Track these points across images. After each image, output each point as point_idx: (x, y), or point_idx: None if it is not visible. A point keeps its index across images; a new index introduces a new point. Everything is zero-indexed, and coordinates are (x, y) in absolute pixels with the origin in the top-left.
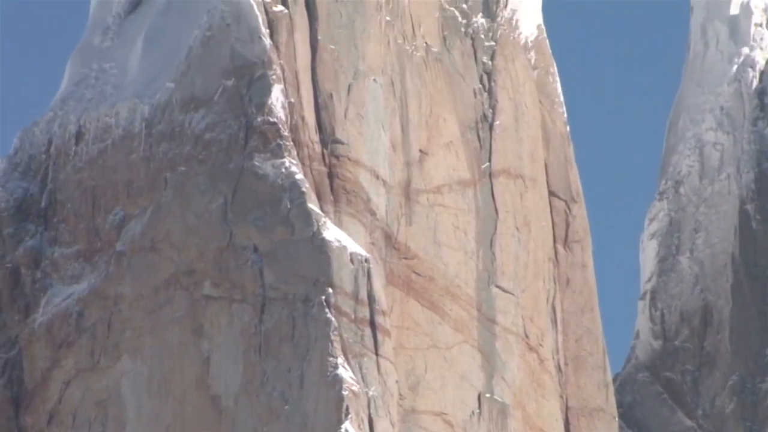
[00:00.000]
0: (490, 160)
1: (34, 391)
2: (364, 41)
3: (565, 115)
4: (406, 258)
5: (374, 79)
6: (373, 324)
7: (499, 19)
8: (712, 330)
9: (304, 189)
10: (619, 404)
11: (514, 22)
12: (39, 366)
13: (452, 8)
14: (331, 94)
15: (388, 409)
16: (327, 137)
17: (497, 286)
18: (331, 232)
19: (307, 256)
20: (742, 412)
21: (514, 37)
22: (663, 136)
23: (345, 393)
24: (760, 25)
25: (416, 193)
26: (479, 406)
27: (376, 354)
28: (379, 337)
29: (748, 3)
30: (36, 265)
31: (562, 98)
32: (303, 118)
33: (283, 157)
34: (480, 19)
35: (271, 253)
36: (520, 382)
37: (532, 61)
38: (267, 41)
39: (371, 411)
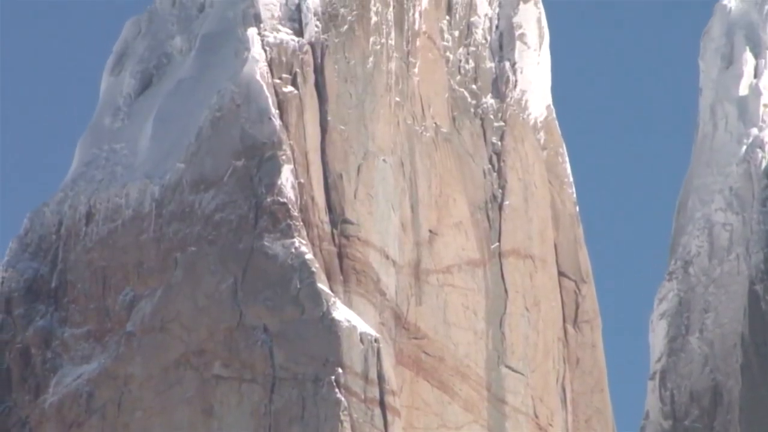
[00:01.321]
0: (499, 240)
1: None
2: (373, 122)
3: (575, 195)
4: (415, 338)
5: (384, 160)
6: (382, 404)
7: (508, 99)
8: (722, 410)
9: (313, 269)
10: None
11: (523, 102)
12: None
13: (462, 89)
14: (341, 175)
15: None
16: (337, 217)
17: (507, 366)
18: (340, 312)
19: (317, 336)
20: None
21: (523, 118)
22: (672, 217)
23: None
24: None
25: (426, 273)
26: None
27: None
28: (389, 417)
29: (756, 84)
30: (46, 346)
31: (571, 178)
32: (313, 198)
33: (292, 237)
34: (489, 100)
35: (281, 333)
36: None
37: (542, 141)
38: (277, 122)
39: None
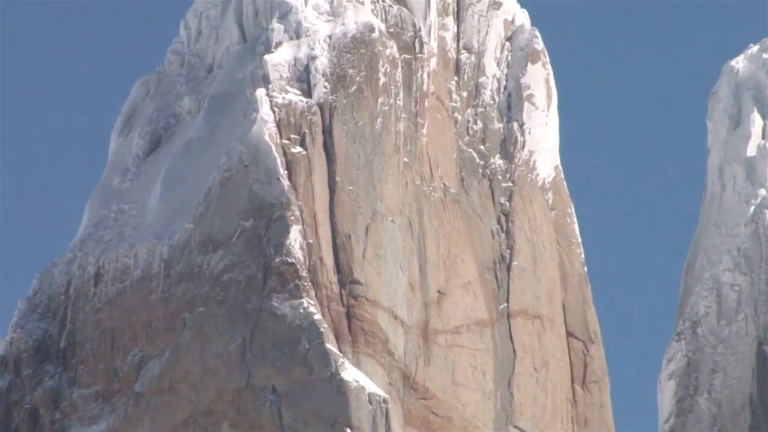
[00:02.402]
0: (507, 301)
1: None
2: (382, 182)
3: (583, 255)
4: (424, 398)
5: (392, 220)
6: None
7: (516, 160)
8: None
9: (322, 329)
10: None
11: (531, 163)
12: None
13: (470, 149)
14: (349, 235)
15: None
16: (345, 278)
17: (515, 427)
18: (349, 373)
19: (326, 397)
20: None
21: (531, 179)
22: (680, 277)
23: None
24: None
25: (434, 333)
26: None
27: None
28: None
29: (764, 145)
30: (55, 406)
31: (579, 239)
32: (321, 259)
33: (301, 297)
34: (498, 161)
35: (289, 393)
36: None
37: (550, 202)
38: (285, 182)
39: None
